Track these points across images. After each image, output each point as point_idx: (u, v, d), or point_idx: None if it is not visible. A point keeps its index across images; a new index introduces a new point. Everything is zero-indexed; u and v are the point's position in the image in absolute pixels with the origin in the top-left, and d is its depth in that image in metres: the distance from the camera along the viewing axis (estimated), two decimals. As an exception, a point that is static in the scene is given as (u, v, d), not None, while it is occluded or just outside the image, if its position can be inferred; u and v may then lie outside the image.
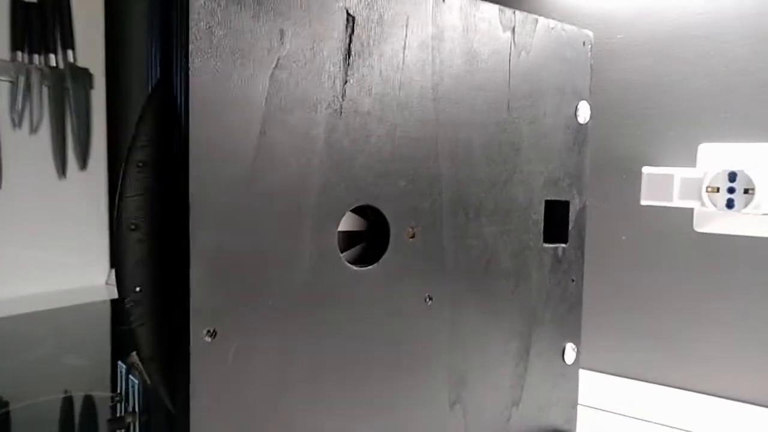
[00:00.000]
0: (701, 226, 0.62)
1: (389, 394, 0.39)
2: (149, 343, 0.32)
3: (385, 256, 0.38)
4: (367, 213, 0.39)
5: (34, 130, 1.19)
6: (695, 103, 0.63)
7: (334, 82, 0.35)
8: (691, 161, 0.63)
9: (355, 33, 0.35)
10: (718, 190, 0.59)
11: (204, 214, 0.31)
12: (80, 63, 1.22)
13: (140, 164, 0.31)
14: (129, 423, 0.40)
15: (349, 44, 0.35)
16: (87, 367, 0.84)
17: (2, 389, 0.74)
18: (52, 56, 1.19)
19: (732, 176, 0.58)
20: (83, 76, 1.23)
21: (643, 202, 0.64)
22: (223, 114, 0.31)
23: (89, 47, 1.23)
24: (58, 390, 0.73)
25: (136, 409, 0.40)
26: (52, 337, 0.98)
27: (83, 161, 1.25)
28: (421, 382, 0.41)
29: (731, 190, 0.58)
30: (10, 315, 1.10)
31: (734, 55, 0.60)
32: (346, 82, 0.35)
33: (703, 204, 0.60)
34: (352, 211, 0.38)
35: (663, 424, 0.62)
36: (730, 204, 0.58)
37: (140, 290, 0.32)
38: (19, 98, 1.16)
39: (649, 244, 0.66)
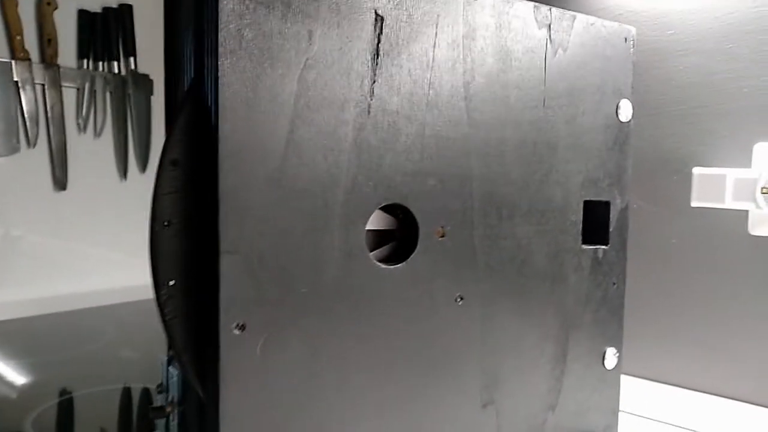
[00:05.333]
0: (756, 228, 0.59)
1: (419, 393, 0.40)
2: (182, 336, 0.33)
3: (413, 255, 0.38)
4: (397, 212, 0.39)
5: (98, 134, 1.25)
6: (750, 102, 0.60)
7: (362, 81, 0.35)
8: (746, 162, 0.60)
9: (383, 33, 0.36)
10: (773, 191, 0.56)
11: (233, 211, 0.32)
12: (141, 69, 1.27)
13: (174, 163, 0.32)
14: (169, 413, 0.42)
15: (378, 44, 0.36)
16: (143, 361, 0.88)
17: (65, 378, 0.78)
18: (115, 63, 1.24)
19: (789, 177, 0.55)
20: (144, 82, 1.29)
21: (694, 204, 0.62)
22: (252, 113, 0.32)
23: (150, 54, 1.29)
24: (117, 381, 0.77)
25: (175, 400, 0.41)
26: (112, 332, 1.03)
27: (143, 164, 1.30)
28: (452, 382, 0.41)
29: (787, 192, 0.55)
30: (73, 309, 1.15)
31: (793, 50, 0.57)
32: (374, 81, 0.36)
33: (758, 206, 0.58)
34: (381, 209, 0.38)
35: (713, 436, 0.59)
36: (786, 206, 0.55)
37: (173, 284, 0.33)
38: (85, 104, 1.22)
39: (701, 247, 0.63)
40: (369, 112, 0.36)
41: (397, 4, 0.36)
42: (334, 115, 0.35)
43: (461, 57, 0.39)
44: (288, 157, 0.33)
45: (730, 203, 0.59)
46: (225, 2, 0.31)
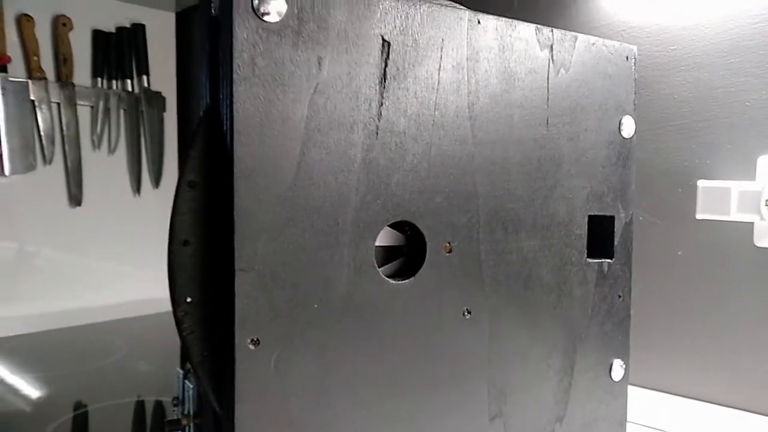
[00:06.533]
0: (761, 240, 0.60)
1: (428, 406, 0.40)
2: (198, 350, 0.35)
3: (421, 271, 0.39)
4: (405, 228, 0.40)
5: (111, 151, 1.27)
6: (753, 115, 0.61)
7: (370, 104, 0.37)
8: (750, 174, 0.61)
9: (390, 58, 0.37)
10: (777, 203, 0.57)
11: (248, 230, 0.33)
12: (154, 87, 1.30)
13: (191, 184, 0.34)
14: (185, 425, 0.43)
15: (385, 68, 0.37)
16: (156, 373, 0.89)
17: (80, 391, 0.80)
18: (128, 81, 1.27)
19: (792, 189, 0.56)
20: (157, 100, 1.31)
21: (699, 216, 0.63)
22: (265, 137, 0.33)
23: (162, 72, 1.31)
24: (131, 394, 0.78)
25: (191, 412, 0.42)
26: (126, 345, 1.05)
27: (156, 180, 1.32)
28: (460, 395, 0.42)
29: (790, 204, 0.56)
30: (88, 323, 1.17)
31: (794, 65, 0.58)
32: (381, 104, 0.37)
33: (762, 218, 0.58)
34: (390, 226, 0.39)
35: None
36: (790, 218, 0.56)
37: (191, 301, 0.34)
38: (99, 122, 1.24)
39: (706, 259, 0.64)
40: (377, 133, 0.37)
41: (403, 30, 0.38)
42: (344, 137, 0.36)
43: (466, 79, 0.40)
44: (300, 178, 0.35)
45: (735, 215, 0.60)
46: (239, 32, 0.32)
